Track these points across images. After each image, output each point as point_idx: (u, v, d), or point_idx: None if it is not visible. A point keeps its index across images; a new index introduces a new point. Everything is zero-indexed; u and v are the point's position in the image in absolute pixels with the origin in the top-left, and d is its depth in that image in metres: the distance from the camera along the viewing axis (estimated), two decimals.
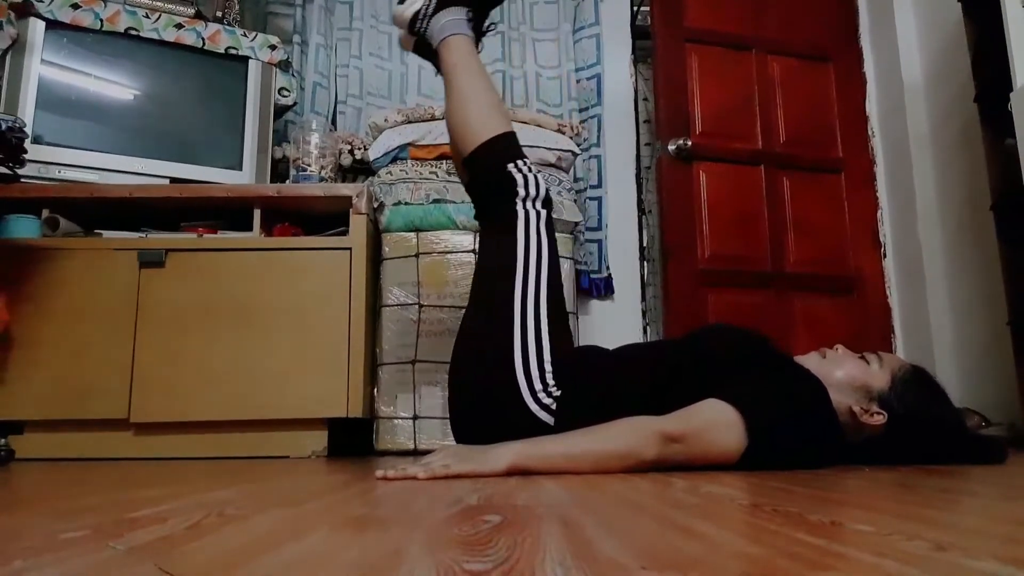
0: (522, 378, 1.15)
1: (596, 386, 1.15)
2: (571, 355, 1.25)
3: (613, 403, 1.11)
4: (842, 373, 1.14)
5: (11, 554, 0.40)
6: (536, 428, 1.11)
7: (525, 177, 1.25)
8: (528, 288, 1.20)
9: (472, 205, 1.39)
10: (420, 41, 1.39)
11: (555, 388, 1.15)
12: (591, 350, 1.32)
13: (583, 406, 1.12)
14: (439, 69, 1.40)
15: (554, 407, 1.13)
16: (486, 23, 1.42)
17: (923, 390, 1.14)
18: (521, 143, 2.07)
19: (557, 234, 2.04)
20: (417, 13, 1.36)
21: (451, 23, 1.34)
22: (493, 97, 1.35)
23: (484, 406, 1.18)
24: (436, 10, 1.35)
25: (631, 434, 0.98)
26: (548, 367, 1.16)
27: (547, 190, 1.28)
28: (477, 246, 2.02)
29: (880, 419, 1.11)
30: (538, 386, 1.14)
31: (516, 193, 1.24)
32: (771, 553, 0.39)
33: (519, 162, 1.27)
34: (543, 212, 1.26)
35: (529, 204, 1.25)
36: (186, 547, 0.43)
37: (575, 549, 0.41)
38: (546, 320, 1.19)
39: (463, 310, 1.97)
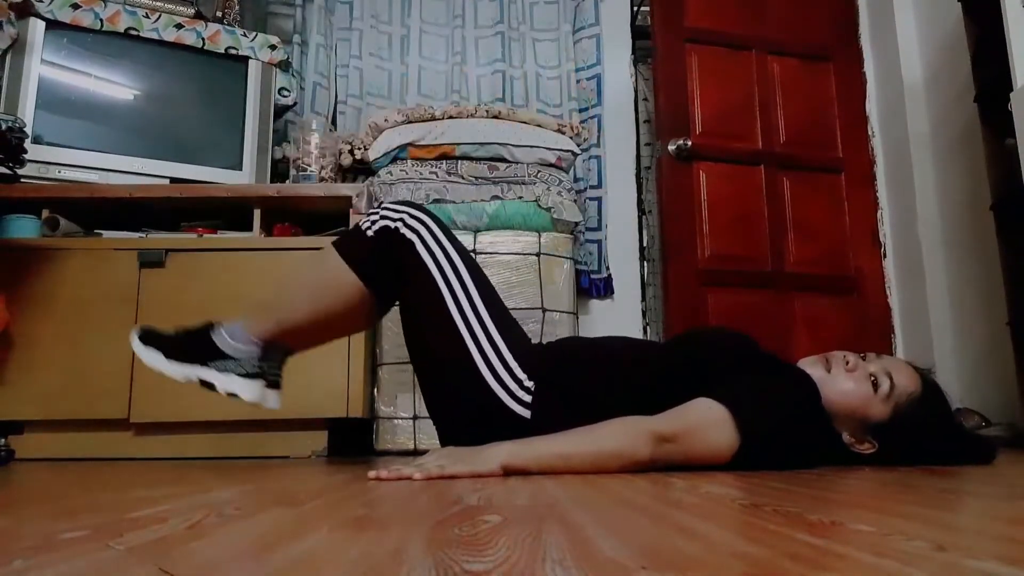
0: (492, 381, 1.14)
1: (573, 380, 1.15)
2: (536, 346, 1.25)
3: (592, 400, 1.11)
4: (841, 399, 1.10)
5: (11, 554, 0.40)
6: (514, 422, 1.11)
7: (405, 222, 1.18)
8: (461, 301, 1.17)
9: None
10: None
11: (528, 381, 1.14)
12: (568, 341, 1.30)
13: (560, 400, 1.12)
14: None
15: (529, 400, 1.13)
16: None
17: (925, 423, 1.10)
18: (521, 143, 2.10)
19: (557, 234, 2.07)
20: None
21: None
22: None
23: (466, 417, 1.18)
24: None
25: (624, 434, 0.98)
26: (512, 362, 1.15)
27: (409, 203, 1.22)
28: (475, 247, 2.02)
29: (869, 449, 1.11)
30: (510, 384, 1.13)
31: (413, 244, 1.18)
32: (771, 553, 0.39)
33: (380, 219, 1.19)
34: (429, 225, 1.19)
35: (428, 238, 1.18)
36: (186, 547, 0.43)
37: (575, 549, 0.41)
38: (490, 321, 1.16)
39: None
